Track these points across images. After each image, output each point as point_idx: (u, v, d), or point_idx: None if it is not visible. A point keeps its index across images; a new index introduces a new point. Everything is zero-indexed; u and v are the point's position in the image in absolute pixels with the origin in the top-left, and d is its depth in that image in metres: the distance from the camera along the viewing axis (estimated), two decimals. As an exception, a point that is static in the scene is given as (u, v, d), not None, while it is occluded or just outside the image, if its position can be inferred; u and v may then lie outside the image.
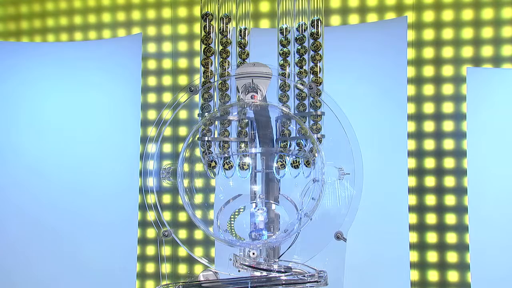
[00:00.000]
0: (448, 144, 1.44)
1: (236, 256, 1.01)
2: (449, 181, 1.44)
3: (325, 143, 1.05)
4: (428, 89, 1.46)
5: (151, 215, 1.09)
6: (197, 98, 1.09)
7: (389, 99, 1.41)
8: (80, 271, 1.58)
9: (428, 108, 1.45)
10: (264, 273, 0.99)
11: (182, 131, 1.56)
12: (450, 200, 1.44)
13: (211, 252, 1.46)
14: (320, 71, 1.06)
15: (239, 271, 1.00)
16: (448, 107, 1.45)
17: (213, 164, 1.03)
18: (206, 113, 1.07)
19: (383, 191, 1.39)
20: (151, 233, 1.57)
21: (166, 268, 1.14)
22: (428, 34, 1.45)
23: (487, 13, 1.42)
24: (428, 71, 1.46)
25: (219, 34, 1.08)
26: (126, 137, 1.59)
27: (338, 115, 1.04)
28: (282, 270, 0.99)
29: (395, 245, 1.42)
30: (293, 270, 1.00)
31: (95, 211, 1.59)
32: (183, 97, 1.10)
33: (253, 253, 0.99)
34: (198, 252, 1.49)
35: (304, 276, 0.99)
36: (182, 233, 1.50)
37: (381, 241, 1.41)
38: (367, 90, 1.41)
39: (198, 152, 1.07)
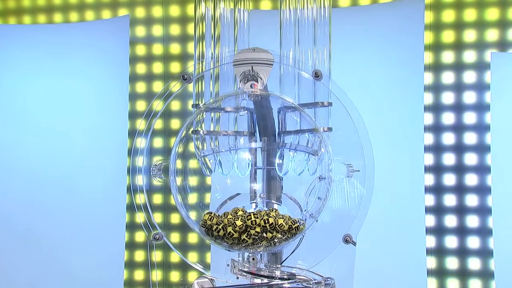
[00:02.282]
0: (470, 138, 1.46)
1: (234, 261, 1.02)
2: (471, 179, 1.46)
3: (332, 137, 1.06)
4: (448, 77, 1.47)
5: (140, 217, 1.10)
6: (191, 87, 1.11)
7: (403, 88, 1.42)
8: (61, 278, 1.60)
9: (448, 98, 1.47)
10: (265, 280, 1.00)
11: (175, 123, 1.57)
12: (472, 200, 1.46)
13: (206, 257, 1.47)
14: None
15: (237, 278, 1.01)
16: (469, 97, 1.46)
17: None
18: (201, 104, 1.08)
19: (397, 190, 1.41)
20: (140, 236, 1.59)
21: (156, 275, 1.16)
22: (448, 16, 1.46)
23: (514, -8, 1.43)
24: (448, 57, 1.47)
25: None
26: (112, 131, 1.60)
27: (346, 106, 1.05)
28: (285, 277, 1.00)
29: (411, 250, 1.43)
30: (297, 277, 1.01)
31: (78, 212, 1.61)
32: (175, 86, 1.11)
33: (253, 258, 1.00)
34: (192, 257, 1.50)
35: (309, 283, 1.00)
36: (175, 237, 1.52)
37: (395, 246, 1.43)
38: (379, 78, 1.42)
39: (192, 147, 1.08)
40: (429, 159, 1.46)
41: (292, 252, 1.05)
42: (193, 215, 1.06)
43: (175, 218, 1.53)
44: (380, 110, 1.40)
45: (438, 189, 1.47)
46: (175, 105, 1.56)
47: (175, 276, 1.54)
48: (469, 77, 1.46)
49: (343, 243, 1.04)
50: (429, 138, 1.46)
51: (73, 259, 1.61)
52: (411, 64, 1.42)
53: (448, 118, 1.47)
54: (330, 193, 1.02)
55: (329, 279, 1.01)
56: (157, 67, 1.61)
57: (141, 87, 1.61)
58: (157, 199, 1.46)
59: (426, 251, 1.43)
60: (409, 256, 1.43)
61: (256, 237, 0.96)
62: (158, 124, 1.47)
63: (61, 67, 1.64)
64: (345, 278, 1.04)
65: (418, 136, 1.42)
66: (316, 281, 1.00)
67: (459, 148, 1.46)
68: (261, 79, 1.04)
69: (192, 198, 1.09)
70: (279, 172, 1.05)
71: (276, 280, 1.00)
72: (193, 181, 1.10)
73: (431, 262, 1.46)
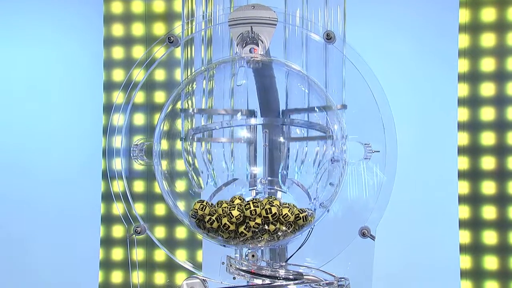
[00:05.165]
0: (513, 113, 1.47)
1: (230, 259, 1.04)
2: (514, 163, 1.47)
3: (347, 111, 1.08)
4: (487, 40, 1.47)
5: (118, 208, 1.12)
6: (178, 52, 1.12)
7: (433, 53, 1.42)
8: (25, 282, 1.63)
9: (487, 65, 1.47)
10: (267, 281, 1.02)
11: (159, 96, 1.58)
12: (514, 187, 1.47)
13: (197, 254, 1.49)
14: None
15: (234, 278, 1.03)
16: (513, 64, 1.47)
17: None
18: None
19: (424, 176, 1.42)
20: (118, 231, 1.60)
21: (138, 276, 1.17)
22: (488, -33, 1.47)
23: None
24: (488, 14, 1.46)
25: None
26: (84, 105, 1.62)
27: (365, 76, 1.06)
28: (291, 277, 1.02)
29: (441, 247, 1.45)
30: (305, 277, 1.02)
31: (44, 203, 1.63)
32: (159, 51, 1.12)
33: (253, 255, 1.02)
34: (181, 255, 1.52)
35: (319, 284, 1.02)
36: (160, 231, 1.54)
37: (422, 241, 1.45)
38: (404, 42, 1.42)
39: (179, 124, 1.09)
40: (463, 138, 1.47)
41: (299, 247, 1.07)
42: (181, 204, 1.08)
43: (160, 209, 1.55)
44: (405, 79, 1.41)
45: (474, 175, 1.47)
46: (159, 74, 1.57)
47: (160, 277, 1.56)
48: (513, 39, 1.46)
49: (359, 237, 1.06)
50: (463, 114, 1.46)
51: (38, 258, 1.63)
52: (443, 25, 1.42)
53: (487, 89, 1.46)
54: (344, 178, 1.04)
55: (342, 279, 1.03)
56: (137, 28, 1.61)
57: (118, 52, 1.62)
58: (139, 186, 1.48)
59: (460, 248, 1.45)
60: (439, 253, 1.45)
61: (256, 230, 0.97)
62: (139, 97, 1.48)
63: (21, 30, 1.65)
64: (362, 279, 1.06)
65: (450, 111, 1.43)
66: (327, 281, 1.02)
67: (500, 126, 1.46)
68: (262, 42, 1.05)
69: (180, 184, 1.10)
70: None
71: (280, 280, 1.01)
72: (181, 164, 1.11)
73: (466, 261, 1.47)
